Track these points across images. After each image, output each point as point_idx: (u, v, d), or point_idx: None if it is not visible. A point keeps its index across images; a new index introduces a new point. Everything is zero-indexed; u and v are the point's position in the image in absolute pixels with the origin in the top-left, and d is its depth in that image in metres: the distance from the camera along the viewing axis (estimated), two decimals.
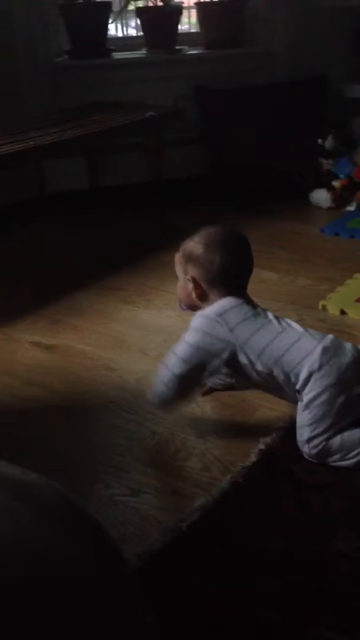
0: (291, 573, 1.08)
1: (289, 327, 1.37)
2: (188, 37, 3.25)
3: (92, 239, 2.73)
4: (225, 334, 1.34)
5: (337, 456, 1.31)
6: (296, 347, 1.32)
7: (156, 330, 1.95)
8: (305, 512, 1.21)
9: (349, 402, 1.31)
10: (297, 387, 1.32)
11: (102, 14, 2.97)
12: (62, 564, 0.42)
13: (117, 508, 1.26)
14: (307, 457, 1.34)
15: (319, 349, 1.31)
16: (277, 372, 1.33)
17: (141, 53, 3.11)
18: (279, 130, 3.01)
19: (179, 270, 1.46)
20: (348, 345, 1.36)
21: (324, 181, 2.94)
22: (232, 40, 3.10)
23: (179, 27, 3.14)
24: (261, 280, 2.25)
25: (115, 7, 3.06)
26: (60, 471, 1.30)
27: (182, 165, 3.06)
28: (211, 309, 1.38)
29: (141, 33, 3.15)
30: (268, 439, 1.41)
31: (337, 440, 1.31)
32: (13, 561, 0.39)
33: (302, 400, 1.33)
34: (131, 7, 3.09)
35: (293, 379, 1.32)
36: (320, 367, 1.30)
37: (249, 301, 1.42)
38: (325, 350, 1.31)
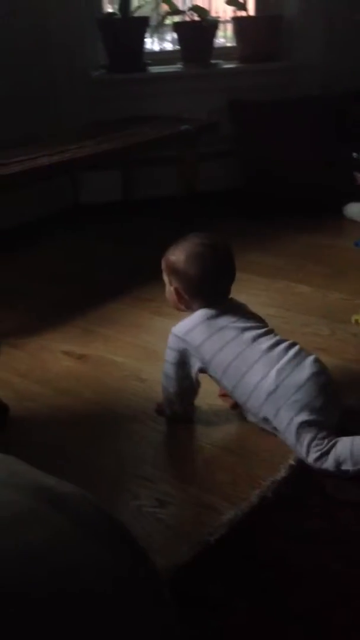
0: (319, 589, 1.07)
1: (251, 345, 1.41)
2: (224, 51, 3.28)
3: (124, 250, 2.75)
4: (192, 351, 1.44)
5: (351, 466, 1.29)
6: (254, 368, 1.38)
7: None
8: (335, 528, 1.19)
9: (312, 415, 1.33)
10: (261, 411, 1.39)
11: (140, 29, 3.01)
12: (95, 575, 0.42)
13: (145, 519, 1.25)
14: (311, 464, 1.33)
15: (273, 372, 1.36)
16: (238, 391, 1.41)
17: (177, 67, 3.14)
18: (313, 144, 3.00)
19: (165, 277, 1.53)
20: (308, 360, 1.39)
21: (358, 195, 2.92)
22: (268, 54, 3.11)
23: (215, 40, 3.17)
24: (294, 293, 2.25)
25: (153, 21, 3.10)
26: (89, 480, 1.30)
27: (217, 178, 3.07)
28: (181, 327, 1.47)
29: (177, 47, 3.18)
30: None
31: (344, 449, 1.30)
32: (49, 570, 0.40)
33: (274, 424, 1.39)
34: (168, 21, 3.12)
35: (253, 400, 1.39)
36: (276, 389, 1.35)
37: (226, 310, 1.47)
38: (279, 372, 1.36)
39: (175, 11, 3.06)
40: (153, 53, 3.32)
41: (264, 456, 1.42)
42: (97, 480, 1.35)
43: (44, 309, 2.22)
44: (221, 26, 3.26)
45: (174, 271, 1.48)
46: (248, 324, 1.46)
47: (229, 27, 3.38)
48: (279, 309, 2.11)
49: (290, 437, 1.35)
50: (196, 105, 3.01)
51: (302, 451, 1.34)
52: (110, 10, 3.18)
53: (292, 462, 1.36)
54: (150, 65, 3.10)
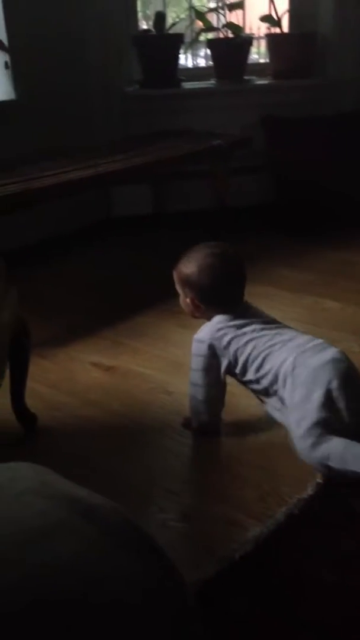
0: (345, 607, 1.05)
1: (273, 336, 1.47)
2: (257, 67, 3.29)
3: (154, 262, 2.76)
4: (220, 352, 1.49)
5: (337, 464, 1.31)
6: (275, 355, 1.43)
7: None
8: None
9: (327, 396, 1.34)
10: (278, 391, 1.42)
11: (174, 46, 3.04)
12: (124, 586, 0.42)
13: (170, 533, 1.25)
14: (302, 457, 1.37)
15: (294, 355, 1.40)
16: (262, 378, 1.45)
17: (210, 83, 3.17)
18: (345, 160, 2.99)
19: (178, 288, 1.59)
20: (331, 350, 1.42)
21: None
22: (301, 71, 3.12)
23: (248, 57, 3.18)
24: (323, 309, 2.23)
25: (187, 38, 3.13)
26: (115, 492, 1.30)
27: (248, 193, 3.08)
28: (205, 332, 1.52)
29: (211, 63, 3.21)
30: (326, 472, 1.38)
31: (325, 447, 1.32)
32: (79, 580, 0.40)
33: (285, 404, 1.41)
34: (202, 38, 3.15)
35: (274, 384, 1.42)
36: (293, 369, 1.39)
37: (242, 312, 1.53)
38: (299, 354, 1.40)
39: (209, 28, 3.09)
40: (187, 69, 3.36)
41: (291, 473, 1.40)
42: (123, 492, 1.36)
43: (74, 320, 2.24)
44: (255, 42, 3.28)
45: (187, 283, 1.54)
46: (266, 322, 1.53)
47: (263, 44, 3.40)
48: (308, 325, 2.09)
49: (296, 415, 1.36)
50: (229, 121, 3.03)
51: (299, 432, 1.35)
52: (145, 27, 3.22)
53: (319, 480, 1.35)
54: (184, 81, 3.13)
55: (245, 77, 3.14)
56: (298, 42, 3.14)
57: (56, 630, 0.36)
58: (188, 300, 1.56)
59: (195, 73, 3.29)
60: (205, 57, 3.42)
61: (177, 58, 3.09)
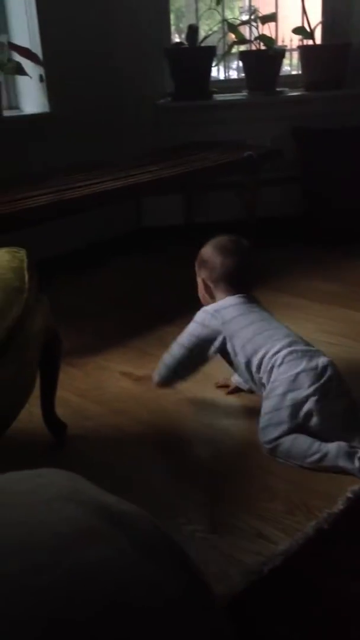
0: None
1: (275, 328, 1.58)
2: (289, 79, 3.29)
3: (183, 274, 2.75)
4: (218, 326, 1.60)
5: (284, 455, 1.45)
6: (270, 344, 1.53)
7: None
8: None
9: (296, 402, 1.45)
10: (263, 378, 1.53)
11: (206, 58, 3.06)
12: (151, 595, 0.42)
13: (198, 544, 1.24)
14: (263, 445, 1.49)
15: (286, 351, 1.51)
16: (252, 363, 1.55)
17: (242, 95, 3.18)
18: None
19: (197, 274, 1.73)
20: (322, 359, 1.51)
21: None
22: (333, 82, 3.11)
23: (281, 69, 3.19)
24: (354, 321, 2.21)
25: (219, 50, 3.15)
26: (142, 502, 1.31)
27: (278, 204, 3.07)
28: (212, 306, 1.65)
29: (243, 75, 3.22)
30: (356, 488, 1.35)
31: (287, 440, 1.45)
32: (106, 587, 0.40)
33: (263, 391, 1.54)
34: (234, 50, 3.17)
35: (261, 371, 1.53)
36: (281, 364, 1.49)
37: (249, 299, 1.65)
38: (291, 352, 1.50)
39: (241, 40, 3.10)
40: (219, 81, 3.37)
41: (321, 487, 1.38)
42: (150, 502, 1.35)
43: (104, 329, 2.25)
44: (287, 54, 3.28)
45: (202, 262, 1.70)
46: (265, 313, 1.65)
47: (295, 55, 3.40)
48: (339, 337, 2.07)
49: (268, 406, 1.49)
50: (260, 132, 3.03)
51: (264, 422, 1.49)
52: (177, 40, 3.25)
53: (349, 494, 1.33)
54: (216, 93, 3.14)
55: (277, 89, 3.14)
56: (330, 54, 3.14)
57: (82, 635, 0.36)
58: (200, 280, 1.71)
59: (227, 85, 3.31)
60: (237, 69, 3.43)
61: (209, 70, 3.11)
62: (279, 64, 3.13)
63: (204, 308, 1.66)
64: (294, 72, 3.49)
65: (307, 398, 1.44)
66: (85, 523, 0.46)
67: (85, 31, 2.76)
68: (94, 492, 0.51)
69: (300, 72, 3.27)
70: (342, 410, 1.48)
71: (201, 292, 1.72)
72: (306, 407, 1.44)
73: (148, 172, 2.46)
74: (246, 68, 3.16)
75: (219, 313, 1.61)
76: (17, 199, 2.09)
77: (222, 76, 3.49)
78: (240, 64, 3.25)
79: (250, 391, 1.71)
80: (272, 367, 1.50)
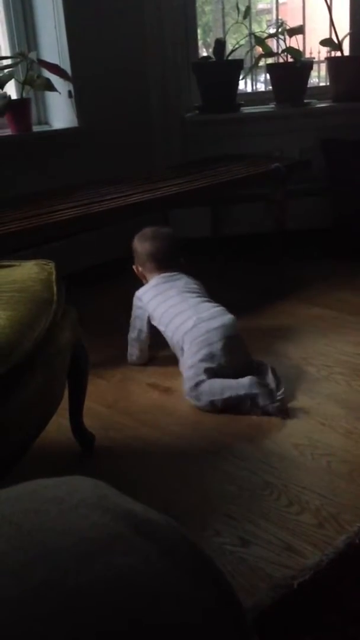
0: None
1: (184, 300, 1.93)
2: (317, 91, 3.29)
3: (211, 286, 2.76)
4: (143, 306, 2.01)
5: (205, 398, 1.76)
6: (180, 316, 1.89)
7: None
8: None
9: (212, 353, 1.80)
10: (179, 342, 1.88)
11: (234, 72, 3.08)
12: (178, 606, 0.41)
13: (226, 558, 1.23)
14: (187, 397, 1.81)
15: (195, 317, 1.87)
16: (168, 330, 1.92)
17: (269, 107, 3.18)
18: None
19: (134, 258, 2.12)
20: (225, 317, 1.88)
21: None
22: None
23: (308, 81, 3.18)
24: None
25: (247, 64, 3.16)
26: (171, 514, 1.30)
27: (306, 217, 3.06)
28: (139, 291, 2.05)
29: (270, 88, 3.23)
30: None
31: (205, 385, 1.76)
32: (132, 597, 0.40)
33: (182, 355, 1.88)
34: (261, 63, 3.18)
35: (177, 338, 1.88)
36: (192, 328, 1.85)
37: (172, 278, 2.02)
38: (198, 319, 1.86)
39: (269, 53, 3.11)
40: (246, 94, 3.38)
41: (352, 501, 1.36)
42: (178, 515, 1.34)
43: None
44: (315, 66, 3.28)
45: (133, 251, 2.10)
46: (186, 288, 1.99)
47: (323, 67, 3.40)
48: None
49: (188, 362, 1.83)
50: (288, 144, 3.03)
51: (187, 375, 1.81)
52: (205, 54, 3.27)
53: None
54: (243, 106, 3.15)
55: (305, 101, 3.14)
56: (359, 65, 3.12)
57: None
58: (135, 267, 2.11)
59: (255, 98, 3.32)
60: (265, 82, 3.44)
61: (236, 83, 3.12)
62: (306, 76, 3.13)
63: (136, 292, 2.04)
64: (322, 84, 3.48)
65: (216, 349, 1.80)
66: (112, 530, 0.45)
67: (113, 47, 2.80)
68: (121, 499, 0.50)
69: (328, 83, 3.26)
70: (240, 363, 1.83)
71: (139, 276, 2.11)
72: (216, 355, 1.80)
73: (175, 185, 2.47)
74: (273, 80, 3.16)
75: (142, 296, 2.02)
76: (46, 212, 2.12)
77: (249, 89, 3.50)
78: (268, 76, 3.26)
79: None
80: (185, 333, 1.85)
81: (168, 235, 2.10)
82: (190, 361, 1.82)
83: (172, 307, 1.93)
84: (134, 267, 2.12)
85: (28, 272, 1.45)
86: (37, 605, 0.38)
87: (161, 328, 1.96)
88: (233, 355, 1.82)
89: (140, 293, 2.04)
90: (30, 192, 2.45)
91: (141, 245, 2.08)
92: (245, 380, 1.74)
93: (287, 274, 2.80)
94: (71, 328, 1.45)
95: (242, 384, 1.74)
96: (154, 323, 1.98)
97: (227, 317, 1.88)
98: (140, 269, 2.10)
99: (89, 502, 0.49)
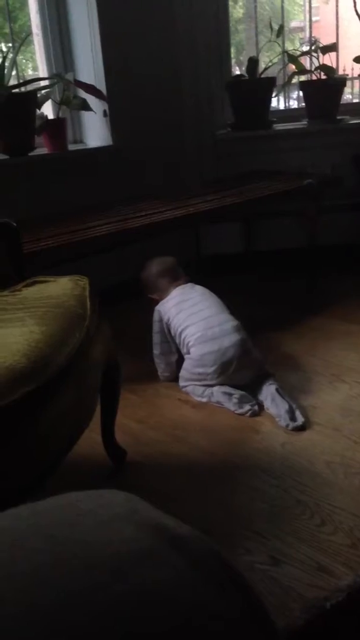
0: None
1: (198, 312, 2.02)
2: (350, 107, 3.28)
3: (243, 301, 2.76)
4: (162, 316, 2.08)
5: (190, 395, 1.97)
6: (195, 324, 1.98)
7: (305, 395, 1.92)
8: None
9: (204, 373, 1.93)
10: (190, 346, 1.97)
11: (266, 89, 3.09)
12: (213, 620, 0.41)
13: (257, 576, 1.22)
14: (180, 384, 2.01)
15: (198, 335, 1.95)
16: (181, 337, 2.01)
17: (302, 124, 3.18)
18: None
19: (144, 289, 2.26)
20: (230, 338, 1.94)
21: None
22: None
23: (341, 97, 3.18)
24: None
25: (279, 81, 3.18)
26: (201, 530, 1.29)
27: (339, 232, 3.05)
28: (159, 305, 2.12)
29: (303, 104, 3.23)
30: None
31: (189, 387, 1.98)
32: (164, 611, 0.40)
33: (188, 354, 2.00)
34: (294, 80, 3.19)
35: (187, 341, 1.99)
36: (193, 345, 1.96)
37: (184, 292, 2.11)
38: (202, 337, 1.95)
39: (302, 71, 3.12)
40: (279, 111, 3.40)
41: None
42: (209, 531, 1.34)
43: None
44: (348, 83, 3.28)
45: (143, 284, 2.24)
46: (203, 297, 2.09)
47: (357, 84, 3.40)
48: None
49: (184, 369, 1.99)
50: (320, 160, 3.03)
51: (181, 374, 2.01)
52: (237, 72, 3.30)
53: None
54: (276, 123, 3.16)
55: (338, 117, 3.14)
56: None
57: None
58: (148, 290, 2.23)
59: (287, 115, 3.32)
60: (298, 99, 3.45)
61: (269, 101, 3.14)
62: (339, 93, 3.13)
63: (156, 307, 2.12)
64: (355, 100, 3.47)
65: (209, 375, 1.92)
66: (144, 544, 0.46)
67: (147, 66, 2.84)
68: (154, 513, 0.51)
69: None
70: (245, 379, 1.94)
71: (151, 300, 2.20)
72: (208, 380, 1.93)
73: (208, 201, 2.48)
74: (306, 98, 3.17)
75: (161, 307, 2.10)
76: (81, 228, 2.15)
77: (282, 106, 3.51)
78: (301, 93, 3.27)
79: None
80: (196, 339, 1.95)
81: (169, 257, 2.24)
82: (187, 365, 1.99)
83: (187, 318, 2.01)
84: (150, 296, 2.21)
85: (63, 287, 1.47)
86: (71, 617, 0.39)
87: (176, 340, 2.04)
88: (229, 375, 1.92)
89: (159, 306, 2.13)
90: (65, 209, 2.49)
91: (148, 271, 2.21)
92: (215, 388, 1.92)
93: (319, 289, 2.78)
94: (104, 343, 1.47)
95: (213, 392, 1.92)
96: (173, 332, 2.05)
97: (232, 339, 1.93)
98: (155, 295, 2.18)
99: (122, 515, 0.50)
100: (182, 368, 2.02)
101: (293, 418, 1.76)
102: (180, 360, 2.05)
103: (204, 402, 1.93)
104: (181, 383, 2.02)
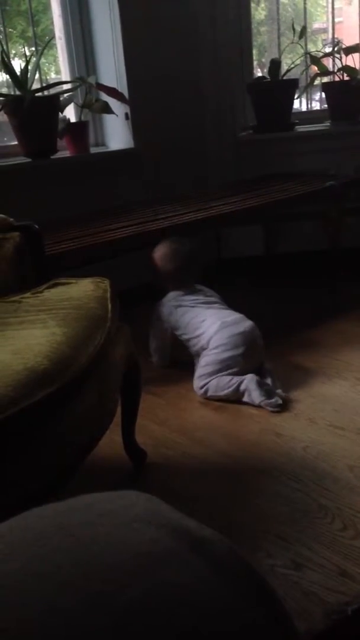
0: None
1: (208, 308, 2.07)
2: None
3: (264, 304, 2.76)
4: (165, 316, 2.13)
5: (212, 392, 1.95)
6: (206, 321, 2.03)
7: (327, 398, 1.90)
8: None
9: (233, 356, 1.96)
10: (204, 345, 2.02)
11: (289, 91, 3.08)
12: (233, 623, 0.41)
13: (278, 580, 1.21)
14: (196, 390, 2.00)
15: (218, 323, 2.01)
16: (194, 338, 2.06)
17: (324, 125, 3.16)
18: None
19: (151, 269, 2.20)
20: (247, 323, 2.02)
21: None
22: None
23: None
24: None
25: (302, 83, 3.16)
26: (221, 533, 1.29)
27: None
28: (160, 302, 2.16)
29: (325, 106, 3.21)
30: None
31: (212, 382, 1.96)
32: (188, 612, 0.40)
33: (201, 356, 2.03)
34: (317, 82, 3.17)
35: (202, 343, 2.02)
36: (217, 331, 2.00)
37: (191, 291, 2.14)
38: (223, 323, 2.01)
39: (324, 72, 3.10)
40: (301, 113, 3.38)
41: None
42: (229, 534, 1.32)
43: (183, 358, 2.26)
44: None
45: (153, 265, 2.18)
46: (205, 299, 2.12)
47: None
48: None
49: (205, 360, 1.99)
50: (343, 162, 3.00)
51: (200, 372, 2.00)
52: (260, 74, 3.29)
53: None
54: (298, 124, 3.15)
55: None
56: None
57: None
58: (157, 279, 2.18)
59: (310, 116, 3.31)
60: (320, 100, 3.43)
61: (291, 103, 3.12)
62: None
63: (157, 304, 2.16)
64: None
65: (238, 357, 1.97)
66: (166, 546, 0.46)
67: (169, 69, 2.85)
68: (175, 515, 0.50)
69: None
70: (254, 366, 1.99)
71: (154, 282, 2.21)
72: (238, 359, 1.97)
73: (229, 203, 2.48)
74: (329, 99, 3.15)
75: (162, 308, 2.13)
76: (102, 230, 2.16)
77: (304, 108, 3.50)
78: (323, 95, 3.25)
79: None
80: (210, 336, 2.00)
81: (187, 253, 2.17)
82: (209, 359, 1.99)
83: (197, 316, 2.05)
84: (152, 280, 2.21)
85: (84, 289, 1.47)
86: (89, 618, 0.39)
87: (185, 337, 2.08)
88: (251, 359, 1.98)
89: (160, 304, 2.15)
90: (87, 211, 2.50)
91: (162, 263, 2.17)
92: (246, 377, 1.93)
93: (342, 292, 2.76)
94: (125, 345, 1.47)
95: (242, 380, 1.94)
96: (177, 332, 2.10)
97: (249, 324, 2.02)
98: (160, 280, 2.19)
99: (143, 517, 0.49)
100: (199, 367, 2.01)
101: (270, 397, 1.87)
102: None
103: (225, 402, 1.93)
104: (201, 383, 1.99)
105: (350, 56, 3.05)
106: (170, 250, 2.16)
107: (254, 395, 1.88)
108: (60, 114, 2.59)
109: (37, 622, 0.38)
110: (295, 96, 3.14)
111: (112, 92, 2.65)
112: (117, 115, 2.71)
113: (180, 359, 2.17)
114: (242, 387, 1.92)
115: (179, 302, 2.11)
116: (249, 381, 1.91)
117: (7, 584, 0.40)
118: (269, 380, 1.95)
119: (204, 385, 1.97)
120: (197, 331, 2.04)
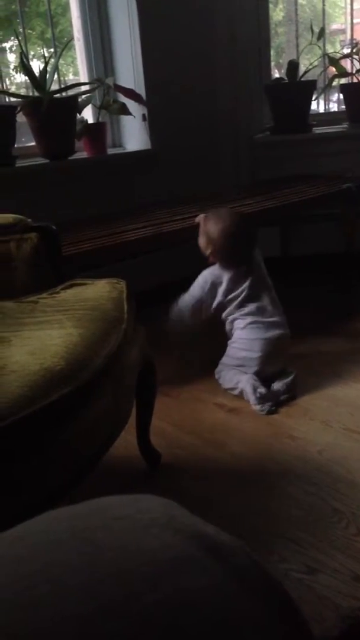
0: None
1: (252, 302, 2.03)
2: None
3: (282, 305, 2.74)
4: (213, 291, 2.06)
5: (221, 382, 2.05)
6: (246, 309, 2.02)
7: (342, 402, 1.89)
8: None
9: (249, 359, 1.99)
10: (236, 331, 2.03)
11: (306, 92, 3.07)
12: (251, 629, 0.41)
13: (292, 585, 1.20)
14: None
15: (249, 319, 2.01)
16: (227, 324, 2.07)
17: (342, 127, 3.15)
18: None
19: (201, 231, 2.07)
20: (276, 332, 2.00)
21: None
22: None
23: None
24: None
25: (320, 84, 3.15)
26: (235, 536, 1.29)
27: None
28: (213, 272, 2.07)
29: (343, 107, 3.20)
30: None
31: (224, 373, 2.04)
32: (205, 618, 0.40)
33: (228, 343, 2.07)
34: (335, 83, 3.15)
35: (236, 325, 2.04)
36: (244, 328, 2.01)
37: (245, 272, 2.06)
38: (253, 322, 2.00)
39: (343, 73, 3.08)
40: (318, 114, 3.37)
41: None
42: (242, 537, 1.32)
43: (199, 360, 2.26)
44: None
45: (210, 239, 2.05)
46: (249, 293, 2.04)
47: None
48: None
49: (227, 351, 2.06)
50: None
51: (222, 360, 2.07)
52: (277, 75, 3.28)
53: None
54: (315, 126, 3.13)
55: None
56: None
57: None
58: (209, 252, 2.06)
59: (327, 118, 3.29)
60: (338, 102, 3.41)
61: (309, 104, 3.11)
62: None
63: (206, 272, 2.09)
64: None
65: (251, 361, 1.98)
66: (182, 551, 0.46)
67: (186, 70, 2.85)
68: (192, 520, 0.50)
69: None
70: (271, 372, 2.00)
71: (206, 251, 2.08)
72: (261, 361, 1.98)
73: (245, 205, 2.47)
74: (347, 100, 3.13)
75: (216, 279, 2.05)
76: (119, 231, 2.16)
77: (322, 109, 3.48)
78: (341, 96, 3.23)
79: None
80: (236, 326, 2.03)
81: (243, 233, 2.06)
82: (231, 351, 2.04)
83: (240, 305, 2.03)
84: (207, 249, 2.07)
85: (100, 290, 1.48)
86: (104, 624, 0.39)
87: (234, 315, 2.05)
88: (268, 366, 1.99)
89: (214, 274, 2.07)
90: (104, 212, 2.51)
91: (217, 238, 2.03)
92: (244, 377, 1.96)
93: (356, 294, 2.74)
94: (140, 346, 1.47)
95: (240, 380, 1.96)
96: (222, 304, 2.05)
97: (277, 333, 2.00)
98: (214, 254, 2.07)
99: (159, 521, 0.49)
100: (224, 355, 2.06)
101: (263, 402, 1.89)
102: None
103: (232, 394, 1.99)
104: (217, 370, 2.07)
105: None
106: (228, 225, 2.03)
107: (249, 398, 1.92)
108: (78, 115, 2.60)
109: (50, 628, 0.38)
110: (313, 97, 3.12)
111: (130, 93, 2.65)
112: (134, 117, 2.72)
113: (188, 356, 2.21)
114: (240, 387, 1.96)
115: (231, 279, 2.04)
116: (244, 384, 1.94)
117: (21, 588, 0.41)
118: (278, 385, 1.96)
119: (218, 372, 2.07)
120: (232, 313, 2.04)
